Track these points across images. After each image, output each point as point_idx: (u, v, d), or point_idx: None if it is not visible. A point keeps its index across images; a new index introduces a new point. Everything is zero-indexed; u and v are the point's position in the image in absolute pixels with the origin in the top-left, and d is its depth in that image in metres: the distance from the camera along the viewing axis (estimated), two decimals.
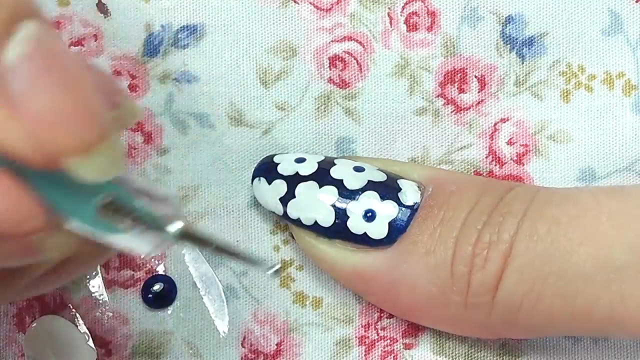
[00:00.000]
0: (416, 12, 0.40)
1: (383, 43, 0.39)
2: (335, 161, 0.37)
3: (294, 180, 0.37)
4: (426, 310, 0.37)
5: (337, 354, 0.39)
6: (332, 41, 0.39)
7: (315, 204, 0.37)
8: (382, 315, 0.39)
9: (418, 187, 0.37)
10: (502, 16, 0.40)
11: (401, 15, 0.40)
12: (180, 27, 0.39)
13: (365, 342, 0.39)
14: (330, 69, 0.39)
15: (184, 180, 0.39)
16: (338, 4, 0.39)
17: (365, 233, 0.36)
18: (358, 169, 0.37)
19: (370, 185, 0.36)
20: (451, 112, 0.40)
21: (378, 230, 0.36)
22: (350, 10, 0.39)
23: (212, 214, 0.39)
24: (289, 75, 0.39)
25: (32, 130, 0.25)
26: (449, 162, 0.40)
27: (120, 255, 0.39)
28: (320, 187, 0.37)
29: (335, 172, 0.37)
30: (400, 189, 0.36)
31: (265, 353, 0.39)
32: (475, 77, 0.40)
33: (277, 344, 0.39)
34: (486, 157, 0.40)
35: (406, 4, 0.40)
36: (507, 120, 0.40)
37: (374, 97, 0.39)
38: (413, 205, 0.36)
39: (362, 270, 0.37)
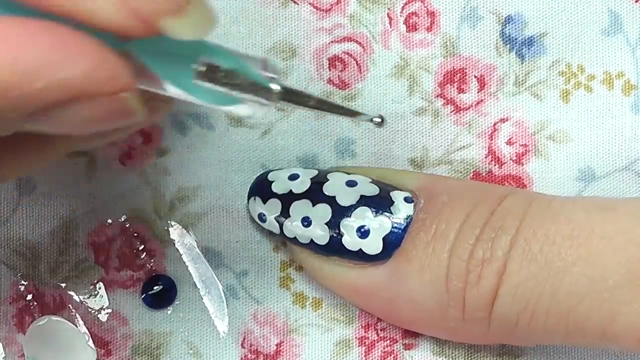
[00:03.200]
0: (416, 13, 0.39)
1: (382, 43, 0.39)
2: (329, 176, 0.37)
3: (288, 199, 0.37)
4: (426, 324, 0.37)
5: (337, 355, 0.39)
6: (331, 42, 0.39)
7: (310, 223, 0.37)
8: None
9: (411, 198, 0.36)
10: (502, 16, 0.40)
11: (400, 16, 0.39)
12: None
13: (365, 342, 0.39)
14: (329, 70, 0.39)
15: (183, 180, 0.39)
16: (337, 4, 0.39)
17: (360, 249, 0.36)
18: (350, 184, 0.37)
19: (363, 201, 0.36)
20: (451, 112, 0.40)
21: (373, 245, 0.36)
22: (350, 11, 0.39)
23: (211, 214, 0.39)
24: (288, 76, 0.39)
25: None
26: (449, 162, 0.40)
27: (120, 256, 0.39)
28: (313, 205, 0.37)
29: (327, 189, 0.37)
30: (393, 202, 0.36)
31: (265, 354, 0.39)
32: (475, 77, 0.40)
33: (277, 345, 0.39)
34: (485, 157, 0.40)
35: (406, 4, 0.39)
36: (507, 120, 0.40)
37: (374, 97, 0.39)
38: (406, 219, 0.36)
39: (361, 286, 0.37)
